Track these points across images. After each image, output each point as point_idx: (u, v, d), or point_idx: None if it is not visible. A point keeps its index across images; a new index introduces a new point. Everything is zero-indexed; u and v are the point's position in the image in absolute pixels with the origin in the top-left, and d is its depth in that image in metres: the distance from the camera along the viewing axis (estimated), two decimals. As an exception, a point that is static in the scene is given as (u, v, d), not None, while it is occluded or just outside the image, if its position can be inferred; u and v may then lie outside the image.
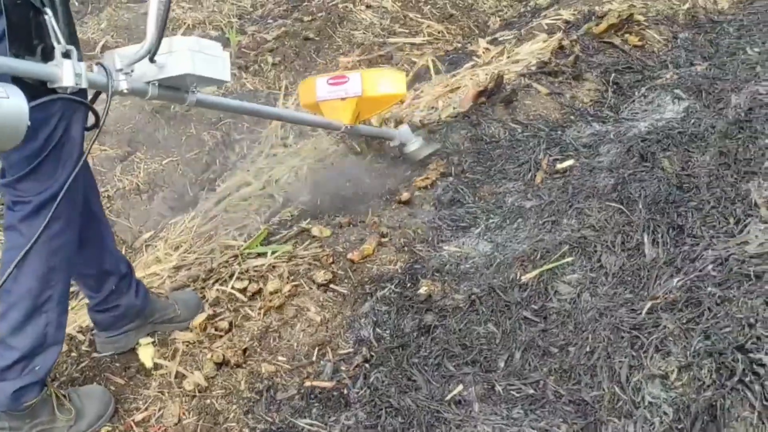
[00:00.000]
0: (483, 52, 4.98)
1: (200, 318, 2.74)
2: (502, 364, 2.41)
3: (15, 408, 2.19)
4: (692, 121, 3.70)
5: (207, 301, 2.89)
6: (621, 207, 3.02)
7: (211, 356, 2.57)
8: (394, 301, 2.77)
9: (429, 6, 6.13)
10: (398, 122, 3.97)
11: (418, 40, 5.72)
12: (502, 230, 3.12)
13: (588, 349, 2.38)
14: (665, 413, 2.04)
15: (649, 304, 2.44)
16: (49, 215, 1.94)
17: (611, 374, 2.25)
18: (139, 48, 2.17)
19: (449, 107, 4.08)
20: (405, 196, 3.33)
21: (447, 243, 3.09)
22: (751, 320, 2.15)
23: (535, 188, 3.38)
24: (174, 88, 2.37)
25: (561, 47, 4.46)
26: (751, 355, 2.01)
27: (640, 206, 3.02)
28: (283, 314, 2.75)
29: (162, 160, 4.42)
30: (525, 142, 3.75)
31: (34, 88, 1.90)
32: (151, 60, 2.19)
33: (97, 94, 2.18)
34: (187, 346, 2.69)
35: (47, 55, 1.94)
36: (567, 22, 4.89)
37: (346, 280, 2.90)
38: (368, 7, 6.06)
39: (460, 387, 2.32)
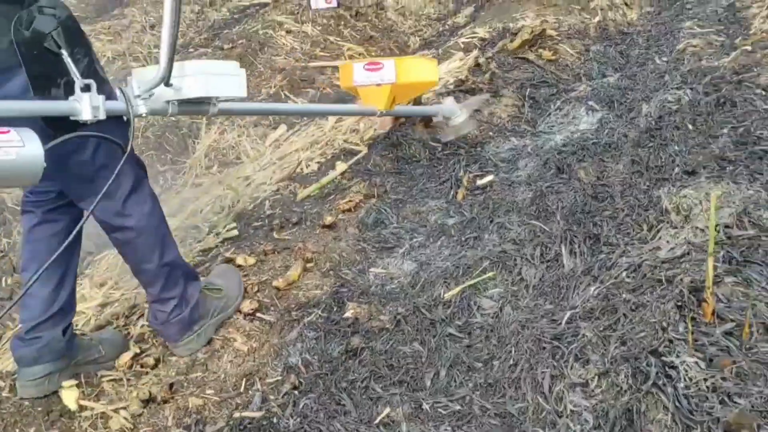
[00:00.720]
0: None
1: (125, 356, 2.70)
2: (428, 383, 2.43)
3: (195, 319, 2.70)
4: (606, 131, 3.81)
5: (132, 338, 2.85)
6: (539, 220, 3.09)
7: (137, 394, 2.53)
8: (322, 326, 2.77)
9: (349, 29, 6.18)
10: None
11: (339, 63, 5.75)
12: (425, 249, 3.16)
13: (511, 361, 2.42)
14: (586, 420, 2.08)
15: (568, 314, 2.50)
16: (148, 200, 2.50)
17: (534, 385, 2.30)
18: (155, 74, 2.32)
19: (370, 129, 4.11)
20: (329, 220, 3.34)
21: (372, 265, 3.11)
22: (664, 324, 2.22)
23: (457, 205, 3.43)
24: (195, 102, 2.52)
25: (477, 65, 4.54)
26: (663, 358, 2.07)
27: (558, 218, 3.10)
28: (210, 346, 2.73)
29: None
30: (445, 160, 3.80)
31: (60, 121, 2.07)
32: (167, 85, 2.34)
33: None
34: (112, 385, 2.64)
35: (69, 90, 2.10)
36: (483, 39, 4.99)
37: (272, 308, 2.89)
38: (288, 32, 6.09)
39: (388, 409, 2.33)
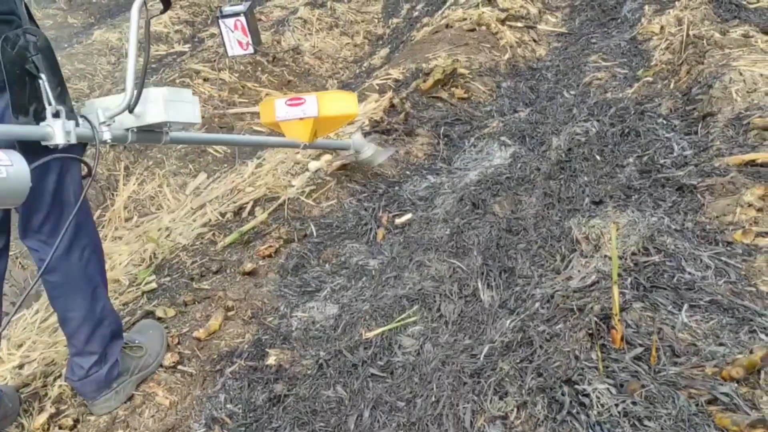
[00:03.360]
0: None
1: (41, 418, 2.64)
2: (352, 425, 2.43)
3: (113, 378, 2.66)
4: (519, 165, 3.91)
5: (50, 398, 2.78)
6: (457, 257, 3.15)
7: (56, 457, 2.47)
8: (245, 375, 2.75)
9: (266, 74, 6.22)
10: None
11: (257, 108, 5.77)
12: (347, 291, 3.18)
13: (433, 398, 2.45)
14: (506, 453, 2.12)
15: (486, 348, 2.55)
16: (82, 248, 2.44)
17: (456, 421, 2.32)
18: (120, 101, 2.43)
19: (288, 175, 4.13)
20: (249, 266, 3.34)
21: (294, 309, 3.11)
22: (576, 353, 2.28)
23: (377, 246, 3.47)
24: (150, 131, 2.61)
25: (392, 105, 4.62)
26: (577, 386, 2.13)
27: (475, 253, 3.16)
28: (131, 402, 2.69)
29: None
30: (365, 201, 3.85)
31: (30, 146, 2.15)
32: (130, 112, 2.45)
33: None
34: (29, 449, 2.58)
35: (38, 116, 2.19)
36: (397, 80, 5.08)
37: (194, 359, 2.87)
38: (206, 80, 6.09)
39: (313, 454, 2.33)
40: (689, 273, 2.62)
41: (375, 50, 6.86)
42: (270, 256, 3.45)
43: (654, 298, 2.48)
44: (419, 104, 4.71)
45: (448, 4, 6.69)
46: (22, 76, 2.14)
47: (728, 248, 2.70)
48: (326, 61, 6.72)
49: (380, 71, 5.51)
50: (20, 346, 3.45)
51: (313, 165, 4.17)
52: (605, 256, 2.81)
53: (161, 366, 2.81)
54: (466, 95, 4.88)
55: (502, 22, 5.83)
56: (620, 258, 2.71)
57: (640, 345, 2.26)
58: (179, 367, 2.81)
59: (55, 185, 2.35)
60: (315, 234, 3.61)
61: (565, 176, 3.64)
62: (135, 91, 2.43)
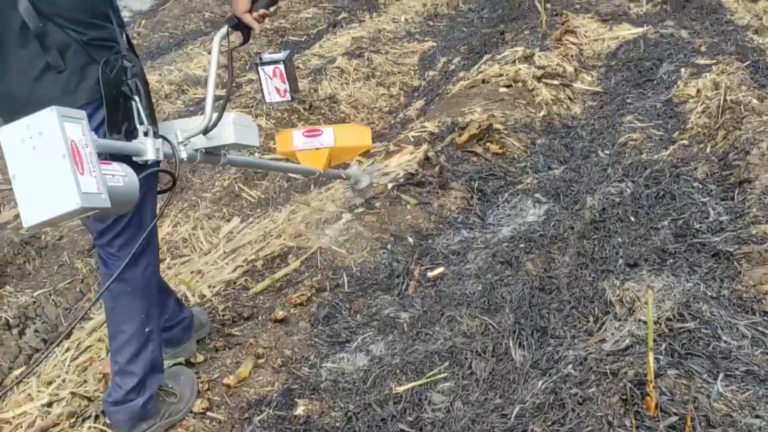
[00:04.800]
0: (357, 164, 5.13)
1: (71, 459, 2.66)
2: (380, 482, 2.42)
3: (146, 415, 2.70)
4: (552, 223, 3.91)
5: (79, 439, 2.80)
6: (489, 313, 3.14)
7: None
8: (273, 425, 2.76)
9: (302, 122, 6.29)
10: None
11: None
12: (377, 344, 3.18)
13: (462, 458, 2.43)
14: None
15: (517, 408, 2.53)
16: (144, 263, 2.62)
17: (485, 482, 2.31)
18: (197, 124, 2.65)
19: (322, 222, 4.17)
20: (280, 314, 3.35)
21: (324, 360, 3.11)
22: (609, 418, 2.26)
23: (408, 298, 3.48)
24: (213, 153, 2.80)
25: (427, 158, 4.66)
26: (609, 453, 2.11)
27: (507, 311, 3.15)
28: (159, 447, 2.70)
29: (33, 291, 4.30)
30: (398, 253, 3.86)
31: (123, 158, 2.32)
32: (205, 134, 2.66)
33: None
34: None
35: (130, 134, 2.41)
36: (432, 133, 5.12)
37: (222, 407, 2.88)
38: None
39: None
40: (725, 341, 2.60)
41: (410, 102, 6.93)
42: (302, 304, 3.46)
43: (689, 366, 2.46)
44: (454, 158, 4.75)
45: (484, 59, 6.75)
46: (118, 97, 2.38)
47: (765, 318, 2.68)
48: (362, 110, 6.79)
49: (415, 123, 5.56)
50: (50, 383, 3.48)
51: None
52: (639, 320, 2.79)
53: (191, 412, 2.82)
54: (500, 150, 4.90)
55: (539, 79, 5.87)
56: (655, 323, 2.70)
57: (675, 414, 2.24)
58: (208, 413, 2.82)
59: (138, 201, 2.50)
60: (347, 284, 3.62)
61: (599, 236, 3.63)
62: (213, 116, 2.64)
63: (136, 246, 2.41)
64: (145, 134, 2.41)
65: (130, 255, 2.40)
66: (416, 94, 7.15)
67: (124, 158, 2.35)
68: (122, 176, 2.19)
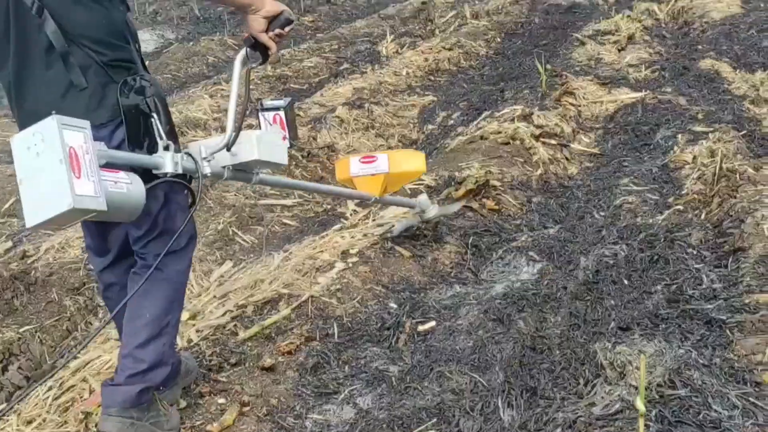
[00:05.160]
0: (351, 215, 5.14)
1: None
2: None
3: (138, 403, 2.71)
4: (545, 282, 3.90)
5: (55, 481, 2.74)
6: (479, 371, 3.12)
7: None
8: (255, 475, 2.71)
9: (300, 169, 6.31)
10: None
11: (288, 201, 5.85)
12: (365, 396, 3.14)
13: None
14: None
15: (504, 470, 2.49)
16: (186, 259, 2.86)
17: None
18: (220, 140, 2.75)
19: (314, 270, 4.15)
20: (268, 362, 3.32)
21: (310, 411, 3.07)
22: (598, 484, 2.23)
23: (398, 351, 3.45)
24: (243, 170, 2.89)
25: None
26: None
27: (497, 369, 3.13)
28: (137, 493, 2.64)
29: (19, 327, 4.25)
30: (389, 305, 3.84)
31: (143, 174, 2.49)
32: (228, 149, 2.74)
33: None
34: None
35: (151, 148, 2.55)
36: (429, 186, 5.14)
37: (205, 454, 2.83)
38: (240, 169, 6.18)
39: None
40: (716, 411, 2.58)
41: (408, 154, 6.97)
42: (290, 353, 3.43)
43: (679, 434, 2.43)
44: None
45: (483, 116, 6.82)
46: (137, 114, 2.54)
47: (757, 389, 2.66)
48: (359, 160, 6.82)
49: (413, 176, 5.58)
50: (30, 422, 3.42)
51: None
52: (630, 384, 2.77)
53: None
54: (496, 207, 4.92)
55: (537, 138, 5.92)
56: (646, 389, 2.67)
57: (664, 482, 2.20)
58: (190, 460, 2.77)
59: (164, 211, 2.70)
60: (337, 334, 3.59)
61: (592, 298, 3.63)
62: (233, 132, 2.73)
63: (171, 242, 2.60)
64: (165, 148, 2.54)
65: (170, 243, 2.59)
66: (414, 147, 7.19)
67: (146, 171, 2.52)
68: (126, 183, 2.35)
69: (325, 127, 7.00)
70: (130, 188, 2.36)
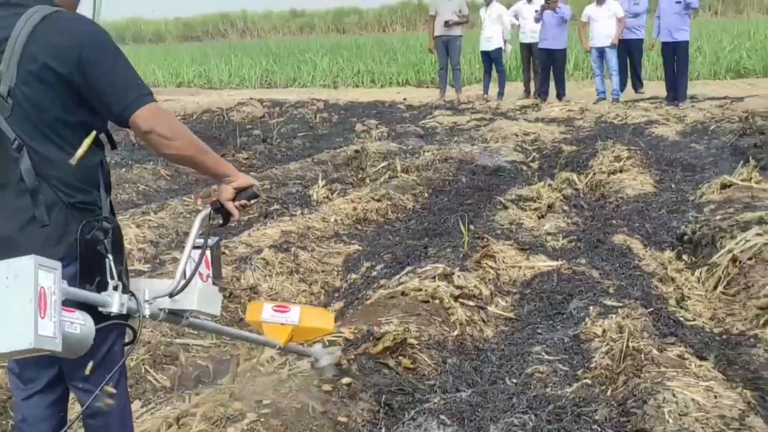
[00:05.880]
0: (267, 362, 5.12)
1: None
2: None
3: None
4: (454, 449, 3.94)
5: None
6: None
7: None
8: None
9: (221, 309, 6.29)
10: None
11: (206, 342, 5.82)
12: None
13: None
14: None
15: None
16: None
17: None
18: (166, 287, 2.95)
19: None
20: None
21: None
22: None
23: None
24: (176, 314, 3.05)
25: (338, 364, 4.69)
26: None
27: None
28: None
29: None
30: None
31: (90, 308, 2.64)
32: (171, 297, 2.93)
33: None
34: None
35: (102, 287, 2.71)
36: (347, 339, 5.19)
37: None
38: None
39: None
40: None
41: (330, 302, 7.04)
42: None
43: None
44: (366, 368, 4.79)
45: (406, 270, 6.97)
46: (93, 254, 2.70)
47: None
48: (280, 304, 6.85)
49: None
50: None
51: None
52: None
53: None
54: (412, 366, 4.99)
55: (456, 298, 6.07)
56: None
57: None
58: None
59: (105, 346, 2.85)
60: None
61: (498, 469, 3.67)
62: (181, 283, 2.93)
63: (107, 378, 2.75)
64: (115, 288, 2.70)
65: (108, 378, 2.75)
66: (336, 294, 7.28)
67: (91, 307, 2.65)
68: (80, 324, 2.50)
69: (250, 269, 7.05)
70: (83, 329, 2.52)
